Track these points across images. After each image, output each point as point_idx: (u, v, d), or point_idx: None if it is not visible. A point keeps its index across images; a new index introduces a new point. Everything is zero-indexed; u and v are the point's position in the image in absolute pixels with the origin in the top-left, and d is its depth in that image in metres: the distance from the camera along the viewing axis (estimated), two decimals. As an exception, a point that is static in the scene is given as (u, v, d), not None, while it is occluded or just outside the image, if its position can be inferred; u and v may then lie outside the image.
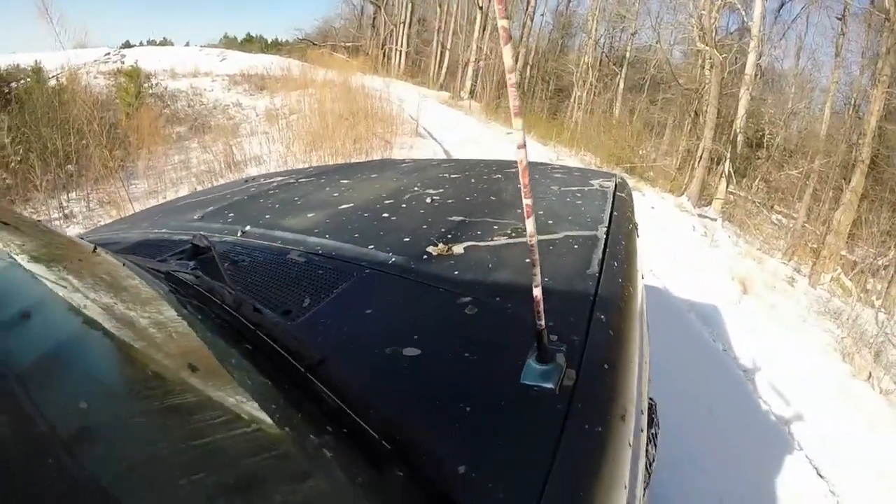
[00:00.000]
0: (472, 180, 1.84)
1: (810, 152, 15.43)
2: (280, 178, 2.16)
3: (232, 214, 1.55)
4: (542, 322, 0.69)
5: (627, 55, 22.18)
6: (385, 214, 1.42)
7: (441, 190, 1.67)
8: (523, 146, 0.60)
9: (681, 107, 18.28)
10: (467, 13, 26.15)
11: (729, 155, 13.44)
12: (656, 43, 20.05)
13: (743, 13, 14.91)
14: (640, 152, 15.96)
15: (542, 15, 25.83)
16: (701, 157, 13.71)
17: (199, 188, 7.42)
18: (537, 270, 0.68)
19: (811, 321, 6.00)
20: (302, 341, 0.84)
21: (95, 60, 18.52)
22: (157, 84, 14.32)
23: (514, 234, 1.24)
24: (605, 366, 0.77)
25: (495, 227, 1.30)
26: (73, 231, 6.28)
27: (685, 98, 17.49)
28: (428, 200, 1.55)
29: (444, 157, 8.59)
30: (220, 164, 8.16)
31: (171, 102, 13.84)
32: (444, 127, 11.77)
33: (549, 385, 0.70)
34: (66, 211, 7.01)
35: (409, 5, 28.61)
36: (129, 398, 0.53)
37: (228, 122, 12.31)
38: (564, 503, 0.60)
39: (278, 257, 1.19)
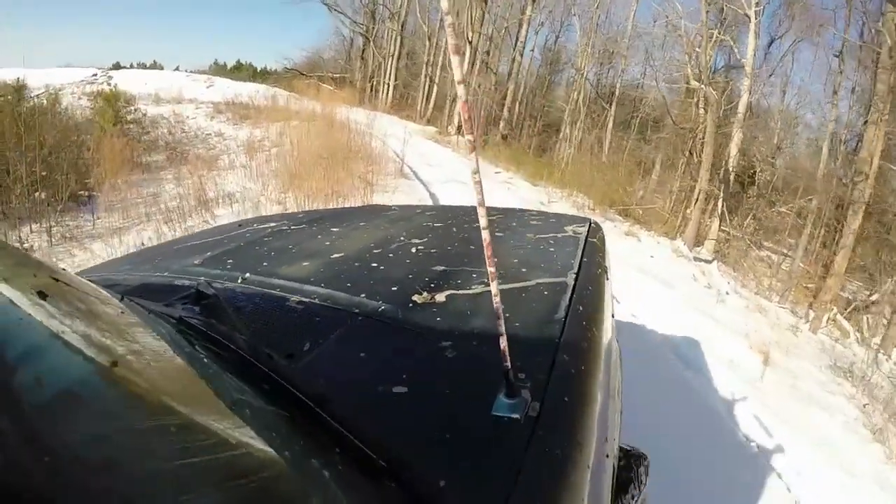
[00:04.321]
0: (454, 229, 2.00)
1: (800, 189, 15.53)
2: (273, 224, 2.25)
3: (231, 261, 1.62)
4: (508, 363, 0.82)
5: (616, 92, 22.18)
6: (374, 264, 1.54)
7: (425, 239, 1.81)
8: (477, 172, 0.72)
9: (674, 145, 18.04)
10: (457, 47, 26.14)
11: (722, 195, 13.21)
12: (651, 81, 20.07)
13: (736, 50, 15.06)
14: (635, 193, 15.58)
15: (532, 51, 25.81)
16: (697, 199, 13.45)
17: (166, 228, 6.89)
18: (501, 320, 0.81)
19: (831, 387, 5.55)
20: (307, 381, 0.95)
21: (82, 80, 18.23)
22: (136, 109, 13.84)
23: (489, 284, 1.32)
24: (566, 398, 0.90)
25: (473, 275, 1.42)
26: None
27: (679, 137, 17.26)
28: (413, 250, 1.68)
29: (430, 202, 8.11)
30: (190, 201, 7.64)
31: (151, 129, 13.45)
32: (431, 165, 11.37)
33: (516, 415, 0.83)
34: (27, 245, 6.59)
35: (399, 39, 28.62)
36: (145, 434, 0.56)
37: (208, 152, 11.90)
38: None
39: (278, 304, 1.28)
